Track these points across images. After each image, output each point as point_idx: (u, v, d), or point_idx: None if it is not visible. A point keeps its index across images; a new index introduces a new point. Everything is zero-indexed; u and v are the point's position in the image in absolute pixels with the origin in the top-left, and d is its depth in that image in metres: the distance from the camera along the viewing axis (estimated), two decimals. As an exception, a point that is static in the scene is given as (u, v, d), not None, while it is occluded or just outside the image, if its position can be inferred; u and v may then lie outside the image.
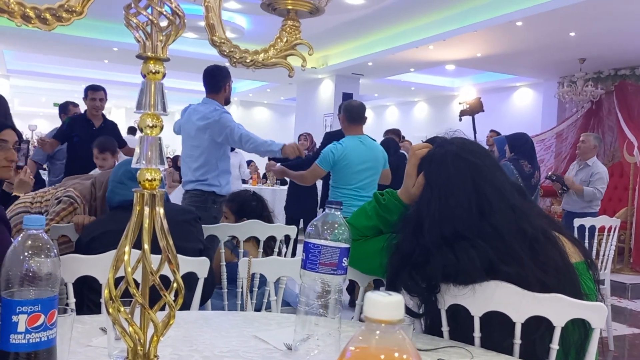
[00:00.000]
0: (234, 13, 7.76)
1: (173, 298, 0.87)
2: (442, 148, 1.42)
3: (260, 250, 2.57)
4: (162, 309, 0.88)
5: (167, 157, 9.27)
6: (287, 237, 2.62)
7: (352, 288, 4.36)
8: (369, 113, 5.35)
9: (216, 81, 3.56)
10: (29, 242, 0.85)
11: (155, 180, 0.86)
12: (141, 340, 0.86)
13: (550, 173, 6.20)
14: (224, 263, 2.45)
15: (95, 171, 3.70)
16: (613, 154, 7.88)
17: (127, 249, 0.84)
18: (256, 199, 3.00)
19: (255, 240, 2.58)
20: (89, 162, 4.01)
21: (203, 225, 2.24)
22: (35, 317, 0.84)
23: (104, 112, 5.02)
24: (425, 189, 1.40)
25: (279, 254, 2.68)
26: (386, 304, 0.54)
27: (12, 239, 1.47)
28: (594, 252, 3.95)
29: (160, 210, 0.86)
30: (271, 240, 2.62)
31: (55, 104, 15.97)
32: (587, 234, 3.92)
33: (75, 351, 1.06)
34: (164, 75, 0.87)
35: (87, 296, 1.86)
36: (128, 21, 0.85)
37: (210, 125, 3.42)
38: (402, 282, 1.35)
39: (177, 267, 0.87)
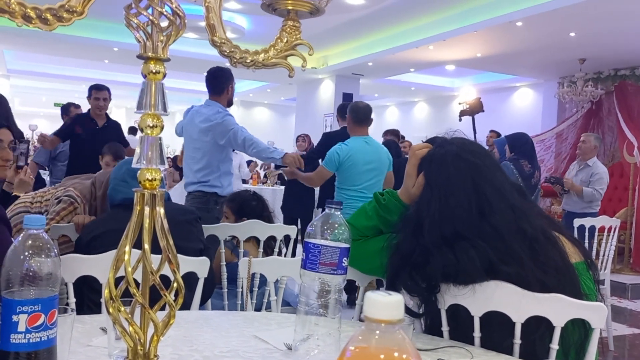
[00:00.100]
0: (234, 13, 7.77)
1: (173, 298, 0.87)
2: (442, 148, 1.42)
3: (261, 250, 2.58)
4: (162, 308, 0.88)
5: (168, 157, 9.27)
6: (287, 237, 2.62)
7: (350, 287, 4.36)
8: (369, 113, 5.32)
9: (219, 83, 3.56)
10: (30, 241, 0.86)
11: (155, 180, 0.86)
12: (141, 340, 0.86)
13: (549, 176, 6.19)
14: (224, 263, 2.45)
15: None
16: (613, 154, 7.88)
17: (127, 248, 0.84)
18: (256, 199, 3.00)
19: (256, 240, 2.58)
20: (92, 161, 4.00)
21: (203, 225, 2.24)
22: (35, 317, 0.84)
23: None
24: (425, 189, 1.40)
25: (279, 254, 2.68)
26: (386, 304, 0.54)
27: (12, 239, 1.47)
28: (594, 252, 3.95)
29: (161, 210, 0.86)
30: (271, 240, 2.62)
31: (55, 104, 16.00)
32: (587, 234, 3.92)
33: (76, 351, 1.06)
34: (164, 76, 0.87)
35: (88, 296, 1.86)
36: (128, 21, 0.85)
37: (213, 127, 3.42)
38: (402, 282, 1.35)
39: (177, 266, 0.87)
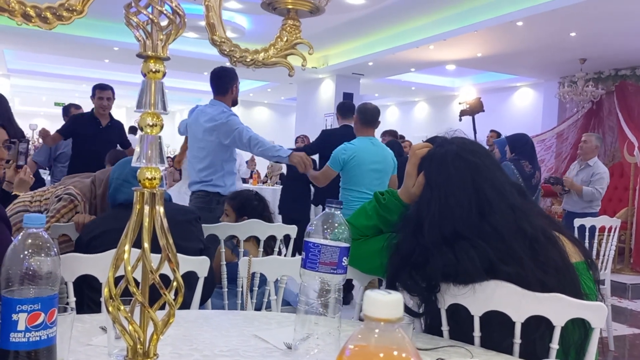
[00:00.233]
0: (234, 13, 7.77)
1: (173, 297, 0.87)
2: (443, 148, 1.42)
3: (261, 249, 2.58)
4: (162, 308, 0.88)
5: (168, 157, 9.27)
6: (287, 237, 2.62)
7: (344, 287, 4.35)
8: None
9: (223, 83, 3.55)
10: (29, 240, 0.86)
11: (155, 179, 0.86)
12: (141, 339, 0.86)
13: (549, 176, 6.20)
14: (224, 262, 2.45)
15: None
16: (613, 154, 7.88)
17: (127, 247, 0.84)
18: (258, 199, 3.00)
19: (256, 239, 2.58)
20: (93, 160, 4.00)
21: (203, 225, 2.24)
22: (35, 316, 0.84)
23: None
24: (425, 189, 1.40)
25: (279, 253, 2.68)
26: (385, 303, 0.54)
27: (12, 238, 1.47)
28: (594, 252, 3.95)
29: (160, 209, 0.86)
30: (271, 240, 2.62)
31: (56, 104, 16.00)
32: (587, 234, 3.92)
33: (75, 350, 1.06)
34: (164, 74, 0.87)
35: (87, 295, 1.86)
36: (128, 20, 0.85)
37: (217, 127, 3.41)
38: (402, 281, 1.35)
39: (177, 265, 0.87)
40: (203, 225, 2.23)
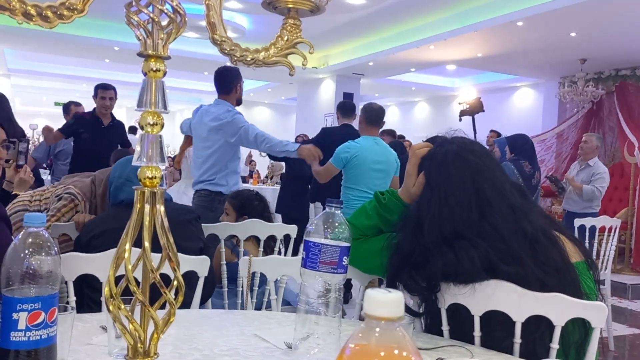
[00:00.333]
0: (235, 13, 7.76)
1: (173, 296, 0.87)
2: (443, 147, 1.42)
3: (261, 249, 2.58)
4: (163, 307, 0.88)
5: (168, 157, 9.27)
6: (287, 237, 2.62)
7: (345, 285, 4.35)
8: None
9: (227, 82, 3.56)
10: (30, 239, 0.86)
11: (155, 178, 0.86)
12: (141, 338, 0.86)
13: (550, 174, 6.20)
14: (224, 262, 2.45)
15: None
16: (613, 154, 7.88)
17: (127, 246, 0.84)
18: (259, 199, 3.00)
19: (256, 239, 2.58)
20: (95, 160, 3.99)
21: (203, 224, 2.24)
22: (35, 315, 0.84)
23: None
24: (425, 189, 1.40)
25: (279, 253, 2.67)
26: (386, 302, 0.54)
27: (12, 237, 1.47)
28: (594, 252, 3.95)
29: (161, 208, 0.86)
30: (271, 239, 2.62)
31: (56, 103, 15.99)
32: (587, 234, 3.92)
33: (76, 349, 1.06)
34: (164, 74, 0.87)
35: (88, 294, 1.86)
36: (129, 19, 0.85)
37: (222, 126, 3.42)
38: (402, 281, 1.35)
39: (178, 264, 0.87)
40: (203, 224, 2.23)
